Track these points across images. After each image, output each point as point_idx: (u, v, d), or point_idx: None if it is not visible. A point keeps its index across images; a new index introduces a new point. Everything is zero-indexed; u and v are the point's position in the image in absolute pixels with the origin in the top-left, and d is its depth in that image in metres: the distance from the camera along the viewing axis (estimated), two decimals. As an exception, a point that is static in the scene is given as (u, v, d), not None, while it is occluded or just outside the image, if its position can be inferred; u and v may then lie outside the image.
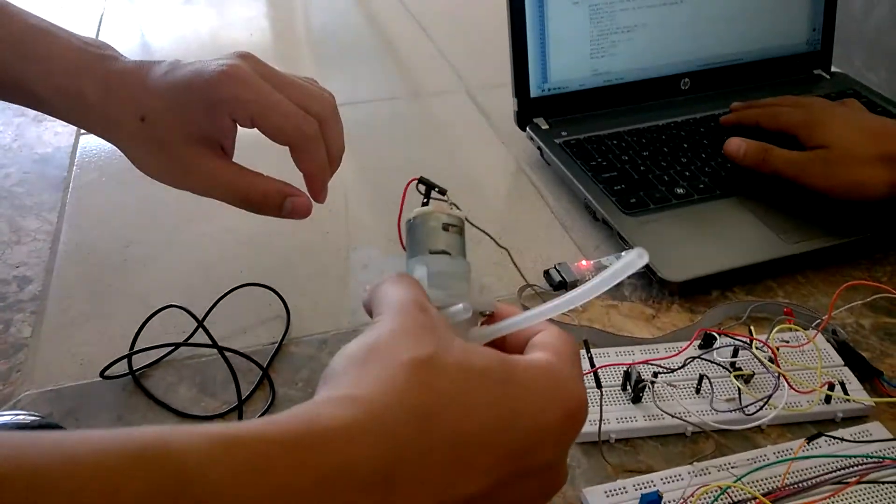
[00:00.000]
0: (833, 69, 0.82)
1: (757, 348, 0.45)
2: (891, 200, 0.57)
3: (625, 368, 0.46)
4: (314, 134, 0.45)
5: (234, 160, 0.47)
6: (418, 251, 0.38)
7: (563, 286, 0.56)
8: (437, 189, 0.42)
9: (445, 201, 0.41)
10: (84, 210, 0.67)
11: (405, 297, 0.31)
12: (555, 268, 0.57)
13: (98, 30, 1.04)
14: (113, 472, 0.20)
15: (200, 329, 0.52)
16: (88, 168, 0.73)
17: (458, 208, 0.41)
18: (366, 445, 0.24)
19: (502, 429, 0.27)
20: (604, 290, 0.32)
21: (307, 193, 0.47)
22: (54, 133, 0.79)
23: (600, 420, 0.43)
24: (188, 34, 1.06)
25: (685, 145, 0.70)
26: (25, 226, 0.65)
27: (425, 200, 0.41)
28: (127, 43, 1.02)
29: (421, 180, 0.42)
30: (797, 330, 0.48)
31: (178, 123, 0.43)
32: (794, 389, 0.43)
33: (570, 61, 0.74)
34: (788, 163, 0.61)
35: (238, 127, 0.46)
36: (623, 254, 0.35)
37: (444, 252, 0.38)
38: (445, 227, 0.38)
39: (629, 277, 0.58)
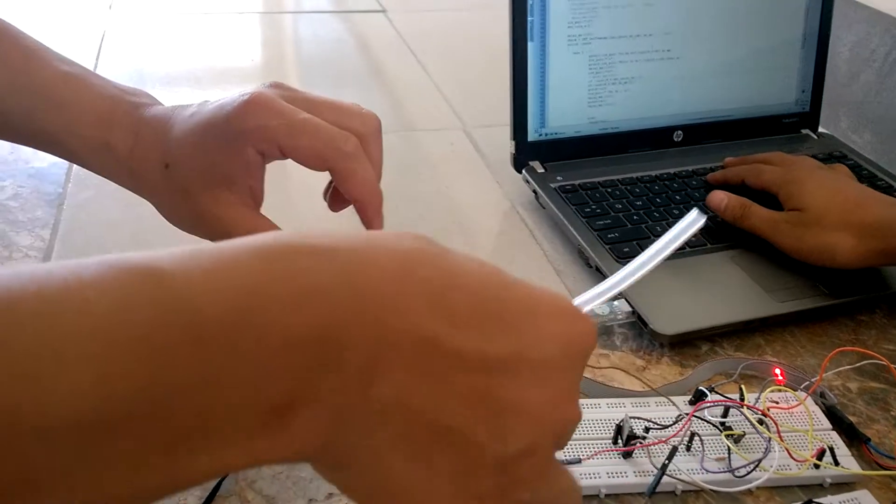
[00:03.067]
0: (820, 130, 0.84)
1: (748, 408, 0.46)
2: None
3: (617, 422, 0.47)
4: (355, 151, 0.40)
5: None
6: None
7: (555, 332, 0.57)
8: None
9: None
10: (78, 228, 0.67)
11: None
12: (548, 313, 0.58)
13: (98, 51, 1.04)
14: (83, 285, 0.21)
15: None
16: (84, 185, 0.72)
17: None
18: (350, 261, 0.24)
19: (507, 299, 0.26)
20: (668, 254, 0.32)
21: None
22: (49, 146, 0.78)
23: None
24: (187, 57, 1.07)
25: (677, 197, 0.71)
26: (18, 241, 0.64)
27: None
28: (126, 65, 1.02)
29: None
30: (787, 391, 0.49)
31: (201, 167, 0.41)
32: (788, 453, 0.44)
33: (568, 108, 0.75)
34: (764, 221, 0.62)
35: (265, 164, 0.42)
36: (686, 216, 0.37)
37: None
38: None
39: (620, 327, 0.59)
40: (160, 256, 0.22)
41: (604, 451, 0.46)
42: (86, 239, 0.65)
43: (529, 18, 0.71)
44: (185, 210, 0.43)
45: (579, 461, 0.45)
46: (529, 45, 0.72)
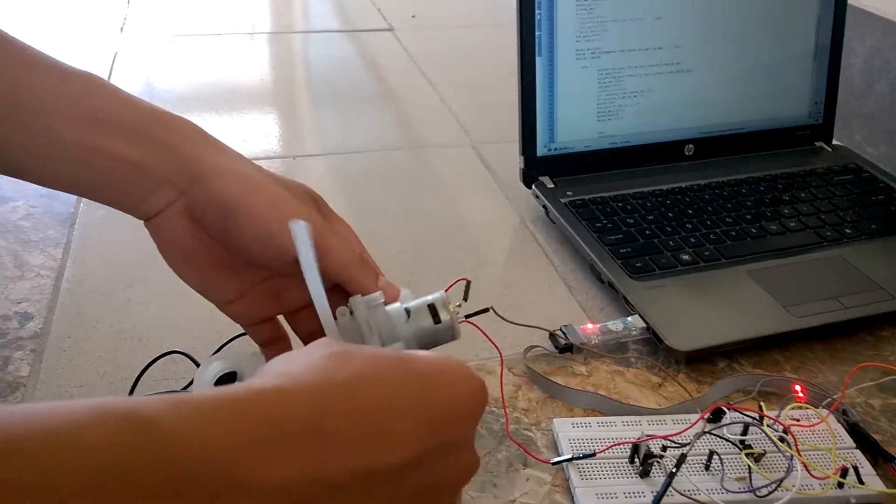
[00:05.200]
0: (834, 142, 0.84)
1: (769, 426, 0.45)
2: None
3: (633, 439, 0.46)
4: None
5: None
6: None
7: (568, 349, 0.56)
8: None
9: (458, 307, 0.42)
10: (89, 247, 0.66)
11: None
12: (560, 330, 0.57)
13: (110, 72, 1.05)
14: (77, 428, 0.23)
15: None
16: (95, 204, 0.71)
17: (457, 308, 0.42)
18: (299, 403, 0.27)
19: (418, 400, 0.30)
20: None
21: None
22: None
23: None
24: (198, 78, 1.07)
25: (690, 211, 0.71)
26: (30, 261, 0.64)
27: (464, 300, 0.43)
28: (137, 86, 1.03)
29: (467, 286, 0.44)
30: (808, 408, 0.48)
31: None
32: (809, 473, 0.43)
33: (577, 123, 0.75)
34: None
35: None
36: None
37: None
38: (435, 317, 0.41)
39: (634, 343, 0.58)
40: (147, 404, 0.24)
41: (621, 470, 0.45)
42: (97, 258, 0.65)
43: (537, 33, 0.71)
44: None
45: (594, 454, 0.45)
46: (538, 59, 0.72)
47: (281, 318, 0.47)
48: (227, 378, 0.37)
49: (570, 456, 0.46)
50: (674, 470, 0.43)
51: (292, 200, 0.43)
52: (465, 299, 0.43)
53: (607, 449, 0.46)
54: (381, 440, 0.28)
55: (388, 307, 0.41)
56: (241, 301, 0.45)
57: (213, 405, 0.26)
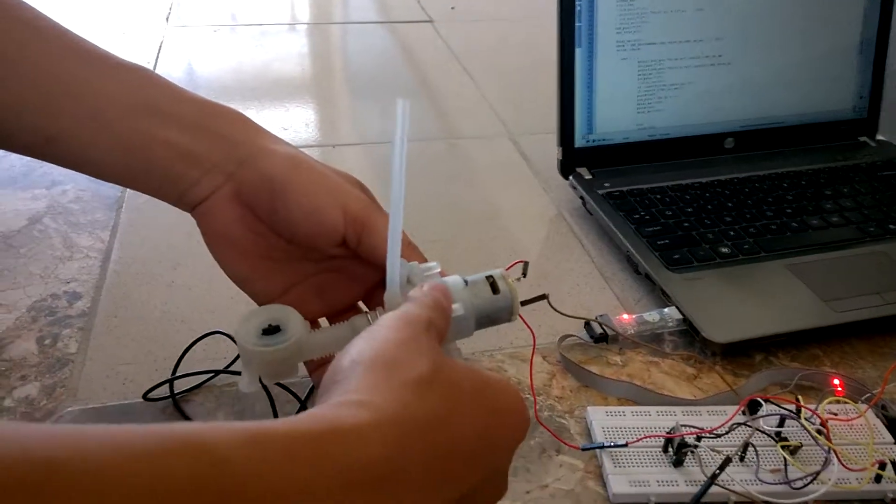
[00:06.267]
0: (879, 137, 0.82)
1: (806, 419, 0.45)
2: None
3: (667, 430, 0.46)
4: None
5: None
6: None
7: (603, 339, 0.56)
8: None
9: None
10: (135, 230, 0.68)
11: (415, 311, 0.34)
12: (596, 320, 0.57)
13: (156, 61, 1.07)
14: (155, 458, 0.22)
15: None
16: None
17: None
18: (377, 445, 0.27)
19: (481, 442, 0.31)
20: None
21: None
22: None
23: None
24: (240, 67, 1.09)
25: (729, 204, 0.70)
26: (78, 242, 0.66)
27: (522, 275, 0.43)
28: (182, 73, 1.05)
29: (525, 265, 0.43)
30: (847, 403, 0.48)
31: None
32: (844, 466, 0.42)
33: (615, 115, 0.75)
34: None
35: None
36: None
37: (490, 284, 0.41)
38: (494, 287, 0.41)
39: (670, 334, 0.58)
40: (226, 440, 0.24)
41: (654, 459, 0.45)
42: (142, 241, 0.67)
43: (577, 24, 0.71)
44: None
45: (625, 445, 0.45)
46: (577, 50, 0.72)
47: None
48: (271, 328, 0.38)
49: (601, 443, 0.46)
50: (717, 471, 0.43)
51: (340, 181, 0.43)
52: (524, 275, 0.42)
53: (639, 440, 0.46)
54: (443, 484, 0.29)
55: (445, 277, 0.40)
56: (285, 298, 0.44)
57: (289, 442, 0.25)
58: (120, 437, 0.22)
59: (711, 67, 0.76)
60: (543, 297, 0.48)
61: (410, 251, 0.44)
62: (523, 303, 0.42)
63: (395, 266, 0.38)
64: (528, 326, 0.47)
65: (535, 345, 0.50)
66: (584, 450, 0.47)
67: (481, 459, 0.31)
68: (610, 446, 0.46)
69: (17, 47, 0.39)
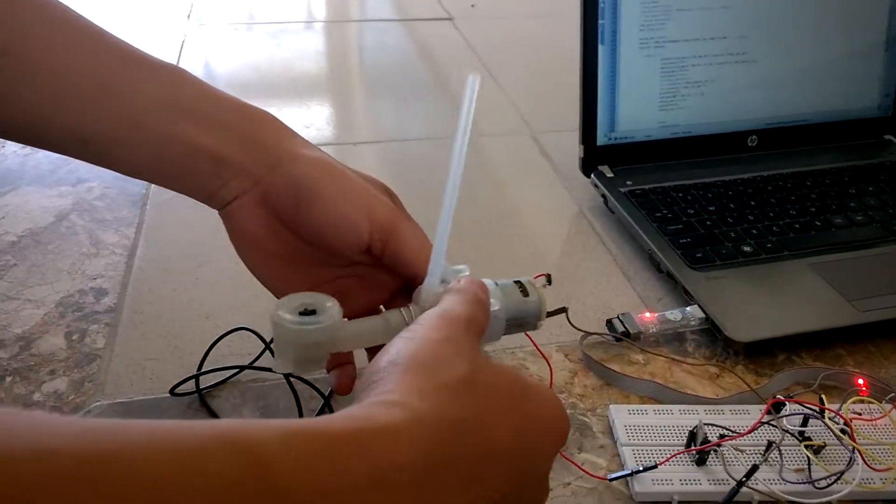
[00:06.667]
0: (904, 136, 0.81)
1: (829, 419, 0.45)
2: None
3: (690, 428, 0.46)
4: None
5: None
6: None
7: (625, 337, 0.56)
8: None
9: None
10: (160, 227, 0.69)
11: (456, 310, 0.34)
12: (618, 318, 0.57)
13: (178, 57, 1.08)
14: (200, 455, 0.23)
15: (266, 352, 0.53)
16: (164, 186, 0.75)
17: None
18: (411, 446, 0.27)
19: (517, 447, 0.31)
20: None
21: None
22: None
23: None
24: (259, 64, 1.10)
25: (752, 203, 0.70)
26: (104, 239, 0.67)
27: (547, 283, 0.44)
28: (204, 70, 1.06)
29: (549, 277, 0.44)
30: (871, 402, 0.47)
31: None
32: (868, 466, 0.42)
33: (638, 112, 0.74)
34: None
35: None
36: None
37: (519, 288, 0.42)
38: (524, 291, 0.42)
39: (693, 333, 0.58)
40: (266, 437, 0.24)
41: (677, 457, 0.45)
42: (167, 237, 0.68)
43: (601, 21, 0.71)
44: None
45: (655, 466, 0.44)
46: (600, 48, 0.71)
47: None
48: (308, 311, 0.38)
49: (630, 470, 0.45)
50: (743, 479, 0.43)
51: (369, 188, 0.43)
52: (549, 283, 0.43)
53: (668, 459, 0.44)
54: (476, 487, 0.29)
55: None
56: None
57: (327, 440, 0.26)
58: (160, 430, 0.23)
59: (735, 64, 0.75)
60: (563, 310, 0.49)
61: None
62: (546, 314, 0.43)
63: (439, 255, 0.38)
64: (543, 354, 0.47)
65: (548, 360, 0.50)
66: (611, 480, 0.45)
67: (517, 464, 0.31)
68: (639, 471, 0.44)
69: (52, 48, 0.40)
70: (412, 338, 0.32)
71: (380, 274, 0.45)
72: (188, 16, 1.24)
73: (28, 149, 0.80)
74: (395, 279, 0.46)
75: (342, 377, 0.47)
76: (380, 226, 0.42)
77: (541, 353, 0.49)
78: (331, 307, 0.38)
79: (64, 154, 0.42)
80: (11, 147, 0.81)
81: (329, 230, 0.42)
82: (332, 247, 0.43)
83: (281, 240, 0.44)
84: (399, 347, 0.31)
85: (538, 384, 0.34)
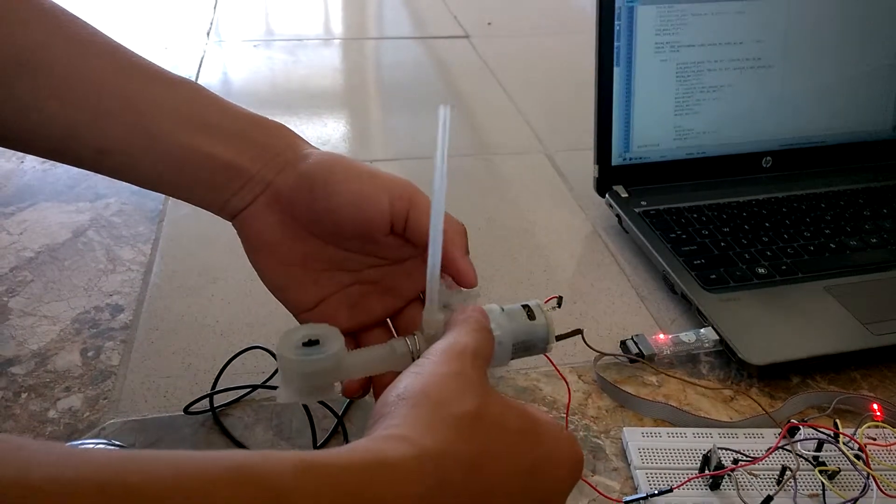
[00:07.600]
0: (921, 158, 0.81)
1: (844, 443, 0.44)
2: None
3: (704, 451, 0.45)
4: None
5: None
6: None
7: (640, 358, 0.56)
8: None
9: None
10: (176, 243, 0.70)
11: (462, 341, 0.34)
12: (632, 339, 0.57)
13: (198, 74, 1.09)
14: (216, 486, 0.23)
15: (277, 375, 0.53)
16: (182, 203, 0.75)
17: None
18: (418, 480, 0.27)
19: (529, 486, 0.30)
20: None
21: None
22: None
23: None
24: (278, 80, 1.11)
25: (766, 224, 0.70)
26: (121, 255, 0.68)
27: (557, 305, 0.44)
28: (222, 86, 1.07)
29: (560, 299, 0.44)
30: (886, 427, 0.47)
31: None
32: (883, 492, 0.42)
33: (654, 118, 0.74)
34: None
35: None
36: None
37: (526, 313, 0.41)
38: (530, 315, 0.41)
39: (707, 355, 0.58)
40: (280, 471, 0.25)
41: (690, 481, 0.44)
42: (183, 254, 0.68)
43: (616, 44, 0.71)
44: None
45: (670, 490, 0.44)
46: (615, 70, 0.72)
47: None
48: (311, 342, 0.39)
49: (644, 494, 0.44)
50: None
51: (380, 169, 0.43)
52: (559, 305, 0.43)
53: (683, 484, 0.44)
54: None
55: (484, 306, 0.41)
56: (318, 308, 0.45)
57: (341, 473, 0.26)
58: (181, 460, 0.23)
59: (751, 70, 0.75)
60: (578, 332, 0.49)
61: (467, 257, 0.43)
62: (558, 337, 0.43)
63: (433, 281, 0.38)
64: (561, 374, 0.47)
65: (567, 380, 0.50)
66: (626, 503, 0.45)
67: (526, 500, 0.30)
68: (654, 494, 0.44)
69: (71, 63, 0.41)
70: (420, 372, 0.32)
71: (393, 279, 0.46)
72: (208, 33, 1.26)
73: (47, 164, 0.82)
74: (408, 285, 0.46)
75: (350, 380, 0.47)
76: (399, 197, 0.42)
77: (560, 374, 0.49)
78: (333, 339, 0.39)
79: (80, 167, 0.43)
80: (31, 162, 0.82)
81: (349, 210, 0.42)
82: (354, 229, 0.43)
83: (296, 242, 0.44)
84: (407, 382, 0.31)
85: (550, 420, 0.34)
